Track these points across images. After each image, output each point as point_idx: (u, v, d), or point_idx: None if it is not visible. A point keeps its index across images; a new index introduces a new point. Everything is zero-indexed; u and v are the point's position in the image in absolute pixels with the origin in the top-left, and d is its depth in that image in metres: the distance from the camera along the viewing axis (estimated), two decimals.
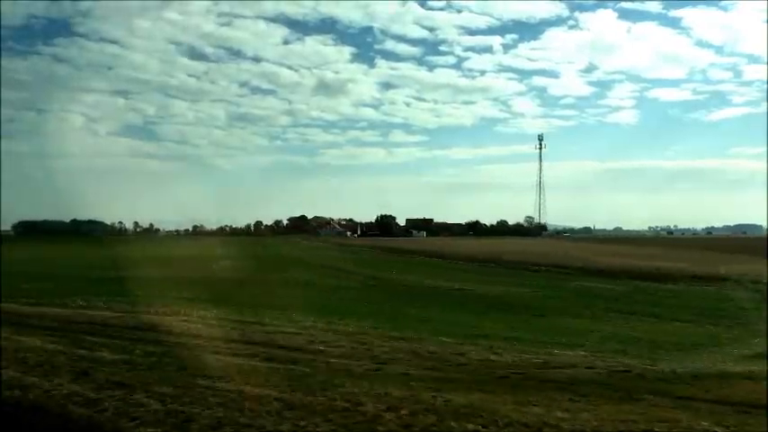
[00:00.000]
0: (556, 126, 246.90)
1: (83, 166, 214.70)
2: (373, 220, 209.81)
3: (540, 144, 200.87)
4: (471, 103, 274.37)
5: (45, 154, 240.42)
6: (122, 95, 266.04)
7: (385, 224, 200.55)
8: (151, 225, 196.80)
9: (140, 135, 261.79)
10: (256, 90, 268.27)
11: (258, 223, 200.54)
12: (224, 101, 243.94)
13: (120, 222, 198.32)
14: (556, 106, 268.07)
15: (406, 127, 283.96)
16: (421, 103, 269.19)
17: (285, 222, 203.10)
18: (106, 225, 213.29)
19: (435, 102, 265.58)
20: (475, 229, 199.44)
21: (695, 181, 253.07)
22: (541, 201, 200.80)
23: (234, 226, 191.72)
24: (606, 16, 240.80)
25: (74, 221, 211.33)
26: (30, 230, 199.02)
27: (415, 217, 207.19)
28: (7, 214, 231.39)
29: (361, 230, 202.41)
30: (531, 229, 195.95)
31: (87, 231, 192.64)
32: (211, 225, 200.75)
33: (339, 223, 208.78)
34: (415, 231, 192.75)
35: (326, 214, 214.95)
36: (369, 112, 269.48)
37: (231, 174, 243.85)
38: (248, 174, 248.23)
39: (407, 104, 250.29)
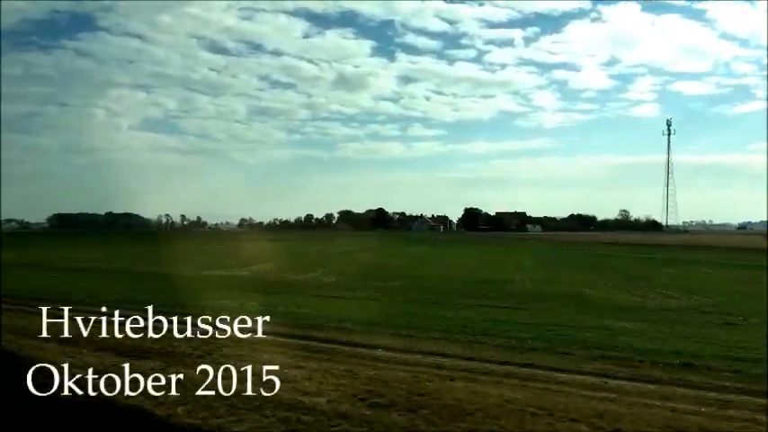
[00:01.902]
0: (575, 120, 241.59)
1: (106, 160, 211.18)
2: (438, 214, 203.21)
3: (669, 130, 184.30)
4: (491, 96, 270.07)
5: (70, 148, 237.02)
6: (144, 90, 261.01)
7: (493, 219, 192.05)
8: (198, 218, 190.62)
9: (161, 129, 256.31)
10: (276, 84, 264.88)
11: (309, 216, 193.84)
12: (244, 95, 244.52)
13: (167, 215, 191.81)
14: (576, 100, 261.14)
15: (425, 121, 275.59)
16: (440, 96, 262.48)
17: (336, 216, 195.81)
18: (142, 218, 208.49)
19: (455, 95, 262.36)
20: (593, 223, 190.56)
21: (718, 176, 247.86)
22: (669, 194, 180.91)
23: (284, 219, 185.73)
24: (629, 9, 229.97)
25: (109, 214, 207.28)
26: (65, 223, 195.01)
27: (504, 210, 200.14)
28: (41, 207, 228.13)
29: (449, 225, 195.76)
30: (638, 224, 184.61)
31: (126, 225, 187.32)
32: (261, 219, 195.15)
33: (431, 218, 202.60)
34: (530, 226, 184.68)
35: (369, 206, 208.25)
36: (388, 106, 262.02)
37: (254, 167, 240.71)
38: (271, 168, 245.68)
39: (427, 98, 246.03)
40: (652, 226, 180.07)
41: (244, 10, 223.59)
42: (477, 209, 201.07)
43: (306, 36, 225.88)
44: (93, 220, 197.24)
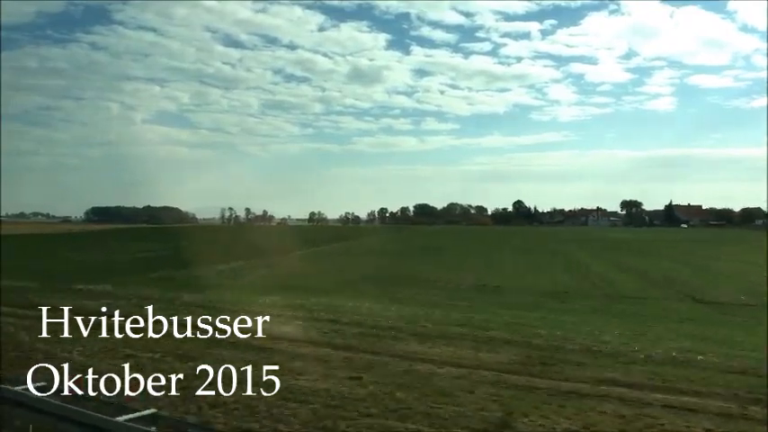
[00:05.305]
0: (591, 114, 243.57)
1: (125, 153, 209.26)
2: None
3: None
4: (506, 90, 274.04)
5: (87, 141, 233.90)
6: (158, 83, 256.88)
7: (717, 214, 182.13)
8: (264, 212, 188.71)
9: (175, 123, 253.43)
10: (290, 78, 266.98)
11: (383, 211, 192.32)
12: (258, 88, 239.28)
13: (231, 209, 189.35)
14: (593, 93, 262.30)
15: (439, 115, 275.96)
16: (455, 90, 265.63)
17: (411, 210, 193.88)
18: (181, 211, 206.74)
19: (469, 89, 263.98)
20: None
21: (736, 170, 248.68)
22: None
23: (356, 214, 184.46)
24: (649, 1, 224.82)
25: (147, 208, 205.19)
26: (105, 217, 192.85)
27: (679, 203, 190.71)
28: (77, 201, 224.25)
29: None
30: None
31: (176, 219, 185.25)
32: (332, 214, 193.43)
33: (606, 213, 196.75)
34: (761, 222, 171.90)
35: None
36: (402, 100, 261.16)
37: (269, 161, 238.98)
38: (287, 162, 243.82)
39: (441, 92, 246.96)
40: None
41: (259, 2, 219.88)
42: (638, 202, 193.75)
43: (321, 29, 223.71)
44: (134, 214, 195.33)
